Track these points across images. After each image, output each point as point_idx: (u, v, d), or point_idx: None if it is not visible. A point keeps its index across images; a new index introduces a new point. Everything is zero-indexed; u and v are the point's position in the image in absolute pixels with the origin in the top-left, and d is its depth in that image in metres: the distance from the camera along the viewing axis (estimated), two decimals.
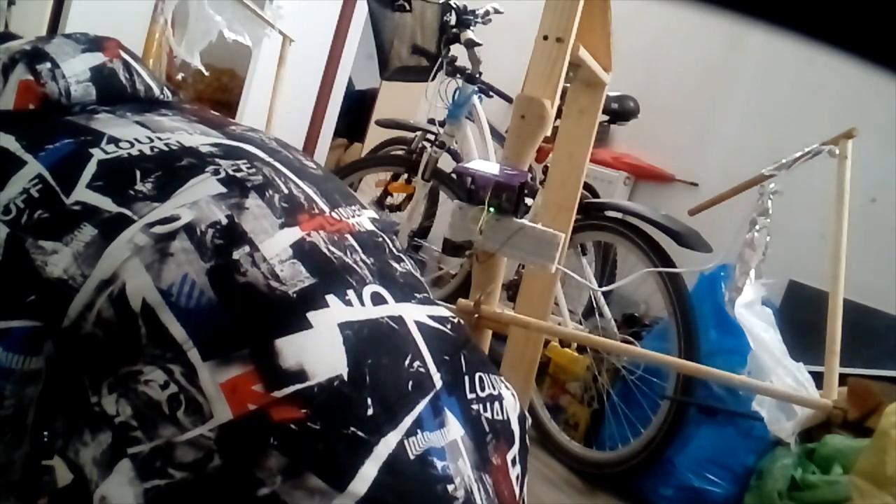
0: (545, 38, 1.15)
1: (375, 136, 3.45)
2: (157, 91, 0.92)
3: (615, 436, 2.14)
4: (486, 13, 2.66)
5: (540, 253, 1.14)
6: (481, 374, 0.79)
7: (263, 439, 0.62)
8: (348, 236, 0.76)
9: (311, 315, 0.67)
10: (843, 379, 1.72)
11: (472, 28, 2.61)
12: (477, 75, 2.67)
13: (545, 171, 2.36)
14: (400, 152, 3.16)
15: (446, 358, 0.75)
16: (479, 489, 0.72)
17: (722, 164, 2.82)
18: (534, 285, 1.52)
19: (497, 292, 1.26)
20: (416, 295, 0.78)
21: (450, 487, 0.68)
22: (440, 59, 2.59)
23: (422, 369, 0.71)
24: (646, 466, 2.05)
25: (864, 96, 2.32)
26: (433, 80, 2.60)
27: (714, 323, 2.06)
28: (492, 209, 1.14)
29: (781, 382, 1.82)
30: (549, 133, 1.17)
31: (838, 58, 0.35)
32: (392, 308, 0.74)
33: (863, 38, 0.34)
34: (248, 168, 0.75)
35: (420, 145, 2.86)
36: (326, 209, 0.77)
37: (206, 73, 3.00)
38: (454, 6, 2.61)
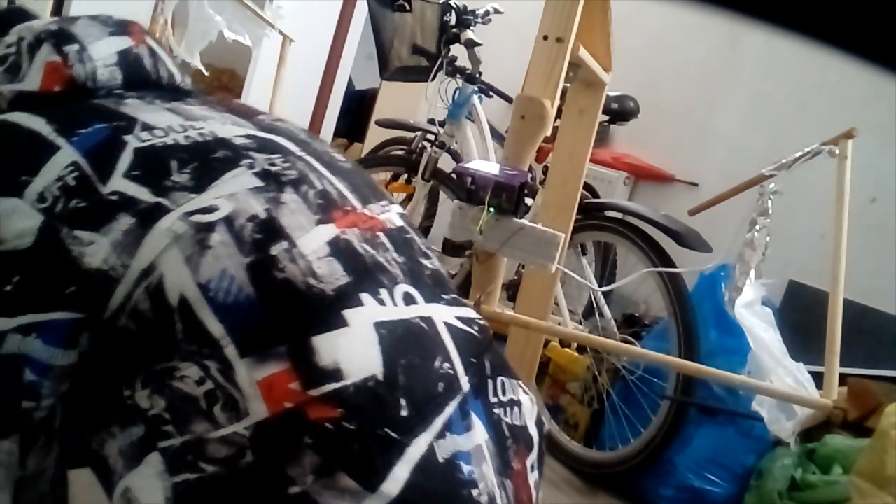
0: (545, 38, 1.15)
1: (375, 136, 3.45)
2: (178, 79, 0.90)
3: (615, 436, 2.14)
4: (486, 13, 2.66)
5: (540, 253, 1.14)
6: (503, 378, 0.79)
7: (298, 438, 0.62)
8: (380, 234, 0.75)
9: (346, 313, 0.66)
10: (843, 379, 1.72)
11: (472, 28, 2.61)
12: (477, 75, 2.67)
13: (545, 171, 2.36)
14: (400, 152, 3.16)
15: (473, 360, 0.74)
16: (501, 494, 0.71)
17: (722, 164, 2.82)
18: (534, 285, 1.52)
19: (497, 292, 1.26)
20: (444, 296, 0.78)
21: (475, 492, 0.68)
22: (440, 59, 2.59)
23: (450, 371, 0.71)
24: (646, 466, 2.04)
25: (864, 96, 2.32)
26: (433, 80, 2.60)
27: (714, 323, 2.06)
28: (492, 209, 1.14)
29: (781, 382, 1.82)
30: (549, 133, 1.17)
31: (838, 58, 0.35)
32: (422, 308, 0.73)
33: (863, 38, 0.34)
34: (282, 162, 0.74)
35: (420, 145, 2.87)
36: (358, 205, 0.76)
37: (206, 73, 3.00)
38: (454, 6, 2.61)
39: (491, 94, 2.83)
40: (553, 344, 2.21)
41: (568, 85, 1.48)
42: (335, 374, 0.63)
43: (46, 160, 0.69)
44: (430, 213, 3.15)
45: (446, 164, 2.84)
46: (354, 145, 4.57)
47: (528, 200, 1.16)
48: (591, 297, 2.32)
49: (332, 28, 4.09)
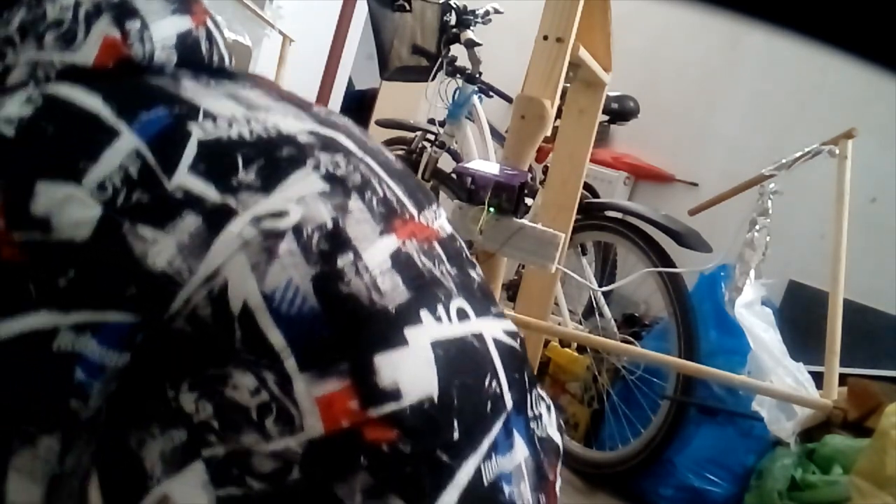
0: (545, 38, 1.15)
1: (375, 135, 3.44)
2: (227, 61, 0.86)
3: (615, 436, 2.14)
4: (486, 13, 2.66)
5: (540, 253, 1.14)
6: (536, 391, 0.79)
7: (353, 458, 0.60)
8: (435, 244, 0.73)
9: (407, 331, 0.64)
10: (843, 379, 1.72)
11: (472, 28, 2.61)
12: (477, 75, 2.67)
13: (545, 171, 2.36)
14: (400, 152, 3.15)
15: (516, 376, 0.73)
16: None
17: (722, 164, 2.82)
18: (534, 285, 1.52)
19: (497, 292, 1.26)
20: (492, 309, 0.76)
21: None
22: (440, 59, 2.60)
23: (497, 390, 0.70)
24: (646, 466, 2.05)
25: (864, 96, 2.32)
26: (433, 80, 2.60)
27: (714, 323, 2.06)
28: (492, 209, 1.14)
29: (781, 382, 1.82)
30: (549, 133, 1.17)
31: (838, 58, 0.35)
32: (474, 325, 0.71)
33: (863, 38, 0.34)
34: (346, 164, 0.71)
35: (420, 145, 2.87)
36: (416, 213, 0.73)
37: None
38: (454, 6, 2.61)
39: (491, 94, 2.83)
40: (553, 344, 2.21)
41: (568, 85, 1.48)
42: (394, 395, 0.62)
43: (106, 146, 0.65)
44: None
45: (446, 164, 2.84)
46: None
47: (528, 200, 1.16)
48: (591, 297, 2.32)
49: (332, 28, 4.09)
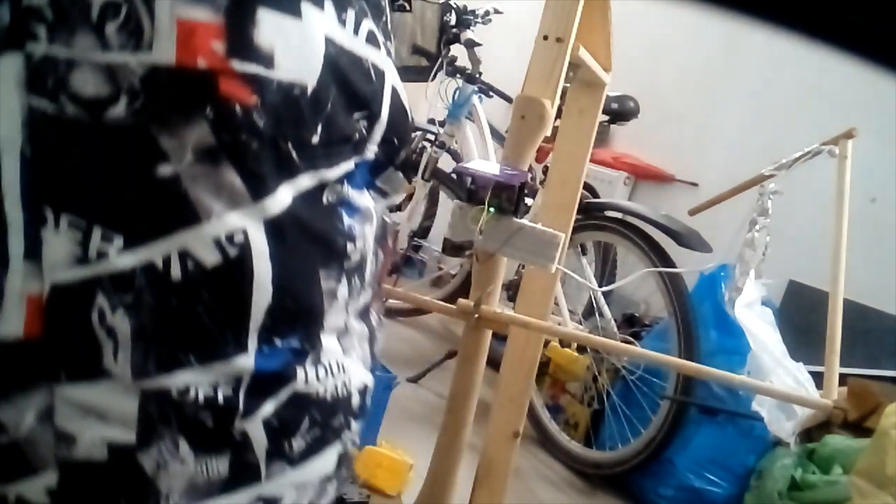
0: (545, 38, 1.15)
1: None
2: None
3: (615, 436, 2.14)
4: (486, 13, 2.66)
5: (540, 253, 1.14)
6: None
7: (198, 106, 0.53)
8: None
9: (305, 7, 0.58)
10: (843, 379, 1.72)
11: (472, 28, 2.61)
12: (477, 75, 2.68)
13: (545, 171, 2.36)
14: None
15: (393, 140, 0.70)
16: (371, 261, 0.69)
17: (722, 164, 2.82)
18: (534, 285, 1.52)
19: (497, 292, 1.26)
20: (399, 66, 0.72)
21: (349, 246, 0.65)
22: (440, 59, 2.60)
23: (366, 132, 0.66)
24: (646, 466, 2.05)
25: (864, 96, 2.31)
26: (433, 80, 2.60)
27: (714, 323, 2.06)
28: (492, 209, 1.14)
29: (781, 382, 1.83)
30: (549, 133, 1.17)
31: (838, 58, 0.35)
32: (380, 57, 0.66)
33: (863, 37, 0.34)
34: None
35: (420, 145, 2.87)
36: None
37: None
38: (454, 6, 2.61)
39: (491, 94, 2.83)
40: (553, 344, 2.21)
41: (568, 85, 1.48)
42: (266, 60, 0.56)
43: None
44: (430, 213, 3.15)
45: (446, 164, 2.84)
46: None
47: (528, 200, 1.16)
48: (591, 297, 2.32)
49: None
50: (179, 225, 0.55)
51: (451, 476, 1.27)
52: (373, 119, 0.66)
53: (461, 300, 1.26)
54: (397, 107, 0.69)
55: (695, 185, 2.93)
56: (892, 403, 1.59)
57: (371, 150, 0.67)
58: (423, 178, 2.77)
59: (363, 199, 0.67)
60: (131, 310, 0.54)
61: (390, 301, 2.62)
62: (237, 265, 0.56)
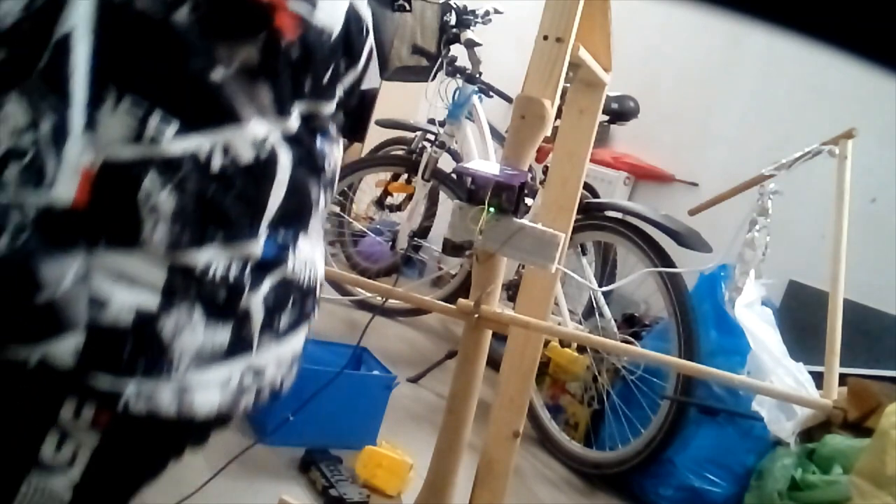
0: (545, 38, 1.14)
1: (375, 136, 3.45)
2: None
3: (615, 436, 2.14)
4: (486, 13, 2.66)
5: (540, 253, 1.14)
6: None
7: (254, 30, 0.64)
8: None
9: None
10: (843, 379, 1.72)
11: (472, 28, 2.61)
12: (477, 75, 2.68)
13: (545, 171, 2.36)
14: (400, 152, 3.16)
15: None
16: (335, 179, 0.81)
17: (722, 164, 2.82)
18: (534, 285, 1.52)
19: (497, 292, 1.26)
20: None
21: (326, 164, 0.76)
22: (440, 59, 2.60)
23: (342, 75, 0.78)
24: (646, 466, 2.05)
25: (864, 96, 2.32)
26: (433, 80, 2.60)
27: (714, 323, 2.06)
28: (492, 209, 1.14)
29: (781, 382, 1.83)
30: (549, 133, 1.17)
31: (838, 58, 0.35)
32: (367, 14, 0.83)
33: (863, 38, 0.34)
34: None
35: (420, 145, 2.87)
36: None
37: None
38: (454, 6, 2.61)
39: (491, 94, 2.83)
40: (553, 344, 2.21)
41: (568, 85, 1.48)
42: (312, 2, 0.67)
43: None
44: (430, 213, 3.15)
45: (446, 164, 2.84)
46: (354, 145, 4.56)
47: (528, 200, 1.15)
48: (591, 297, 2.32)
49: None
50: (226, 122, 0.64)
51: (451, 476, 1.27)
52: (350, 67, 0.80)
53: (461, 300, 1.26)
54: (371, 58, 0.85)
55: (695, 185, 2.93)
56: (892, 403, 1.59)
57: (341, 90, 0.79)
58: (423, 177, 2.77)
59: (332, 127, 0.79)
60: (175, 191, 0.62)
61: (390, 301, 2.61)
62: (266, 165, 0.67)
